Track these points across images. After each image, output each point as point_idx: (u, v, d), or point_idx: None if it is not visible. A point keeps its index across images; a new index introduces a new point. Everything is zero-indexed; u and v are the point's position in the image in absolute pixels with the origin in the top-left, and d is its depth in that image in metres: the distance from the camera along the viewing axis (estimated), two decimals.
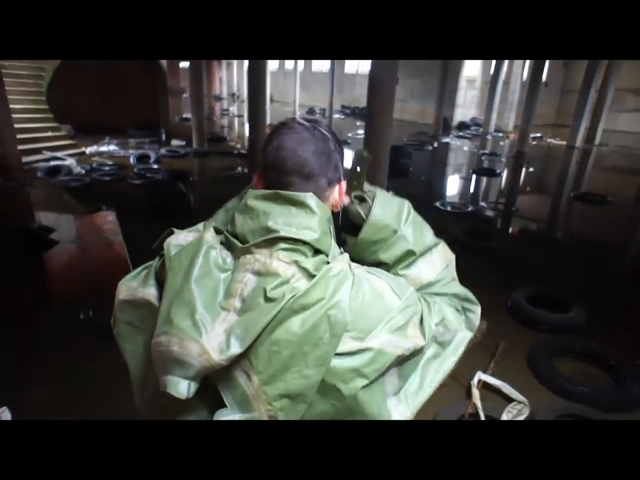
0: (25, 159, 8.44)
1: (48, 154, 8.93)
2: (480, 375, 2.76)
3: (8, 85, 8.29)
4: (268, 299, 0.61)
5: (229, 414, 0.63)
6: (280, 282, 0.63)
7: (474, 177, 10.01)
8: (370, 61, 5.43)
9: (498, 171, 10.28)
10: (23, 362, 2.92)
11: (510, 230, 6.88)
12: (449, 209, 7.30)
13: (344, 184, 0.80)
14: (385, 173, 5.67)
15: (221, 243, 0.72)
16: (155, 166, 9.14)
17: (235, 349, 0.60)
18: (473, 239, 5.38)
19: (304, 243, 0.66)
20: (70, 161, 8.67)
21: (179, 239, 0.76)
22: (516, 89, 17.25)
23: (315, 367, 0.60)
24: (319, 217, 0.68)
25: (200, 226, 0.86)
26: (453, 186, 9.64)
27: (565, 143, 14.28)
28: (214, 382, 0.64)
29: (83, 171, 8.31)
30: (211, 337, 0.60)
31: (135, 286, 0.76)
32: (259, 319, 0.60)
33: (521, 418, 2.41)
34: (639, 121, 16.83)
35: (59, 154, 9.08)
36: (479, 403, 2.49)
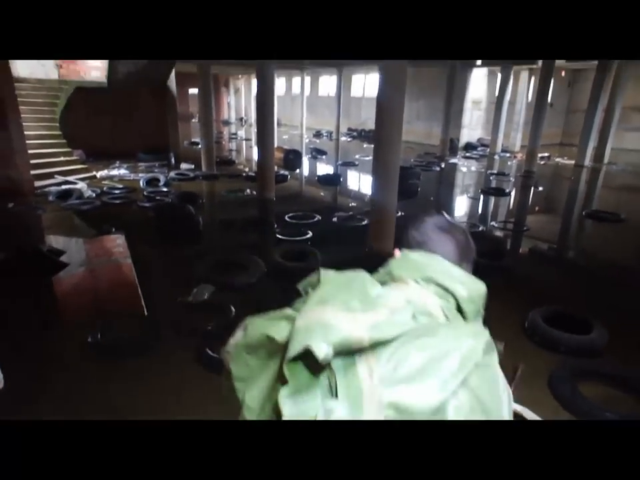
0: (38, 184, 8.56)
1: (60, 178, 9.06)
2: None
3: (23, 113, 8.50)
4: (414, 318, 0.70)
5: (337, 404, 0.61)
6: (425, 311, 0.73)
7: (483, 196, 9.97)
8: (377, 84, 5.47)
9: (507, 191, 10.23)
10: (31, 383, 2.86)
11: (521, 249, 6.78)
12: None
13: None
14: (394, 194, 5.66)
15: None
16: (165, 189, 9.23)
17: (379, 334, 0.62)
18: (484, 259, 5.28)
19: (454, 296, 0.78)
20: (81, 185, 8.79)
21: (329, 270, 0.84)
22: (522, 109, 17.35)
23: (439, 387, 0.60)
24: (471, 286, 0.82)
25: None
26: (461, 206, 9.60)
27: (573, 162, 14.24)
28: (334, 368, 0.62)
29: (94, 195, 8.40)
30: (361, 319, 0.64)
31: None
32: (402, 327, 0.65)
33: None
34: None
35: (70, 178, 9.22)
36: None
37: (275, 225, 6.82)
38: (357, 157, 15.17)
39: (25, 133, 8.32)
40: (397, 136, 5.51)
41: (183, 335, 3.61)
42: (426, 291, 0.77)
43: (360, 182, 11.71)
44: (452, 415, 0.62)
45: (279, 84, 24.49)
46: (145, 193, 8.70)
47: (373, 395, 0.60)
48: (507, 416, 0.70)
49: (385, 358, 0.62)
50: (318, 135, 21.80)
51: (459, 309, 0.79)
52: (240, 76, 26.77)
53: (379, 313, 0.67)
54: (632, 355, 3.45)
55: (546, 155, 15.76)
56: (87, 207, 7.65)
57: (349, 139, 21.28)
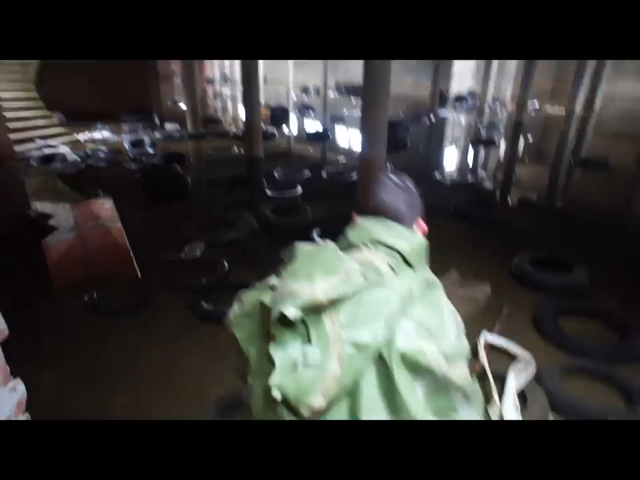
0: (18, 148, 8.33)
1: (41, 142, 8.82)
2: (485, 335, 2.77)
3: None
4: (364, 276, 0.85)
5: (311, 349, 0.80)
6: (374, 269, 0.87)
7: (472, 148, 9.92)
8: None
9: (496, 141, 10.18)
10: (31, 344, 2.92)
11: (510, 198, 6.84)
12: (448, 180, 7.25)
13: (422, 222, 1.06)
14: (383, 148, 5.61)
15: None
16: (151, 150, 9.05)
17: (332, 294, 0.79)
18: (473, 208, 5.35)
19: (398, 251, 0.93)
20: (63, 149, 8.58)
21: (303, 244, 0.97)
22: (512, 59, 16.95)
23: (383, 328, 0.78)
24: (412, 240, 0.96)
25: None
26: (451, 157, 9.56)
27: (564, 110, 14.10)
28: (307, 322, 0.81)
29: (78, 158, 8.22)
30: (319, 284, 0.82)
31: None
32: (354, 285, 0.82)
33: (527, 374, 2.42)
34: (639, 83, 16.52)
35: (51, 141, 8.97)
36: (485, 362, 2.50)
37: (264, 183, 6.78)
38: (345, 112, 14.88)
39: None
40: (384, 89, 5.41)
41: (178, 290, 3.68)
42: (374, 252, 0.94)
43: (349, 137, 11.55)
44: (401, 342, 0.80)
45: None
46: (130, 155, 8.53)
47: (336, 337, 0.79)
48: (454, 337, 0.87)
49: (342, 310, 0.80)
50: (305, 91, 21.23)
51: (406, 262, 0.94)
52: None
53: (335, 277, 0.84)
54: (611, 291, 3.59)
55: (537, 104, 15.57)
56: (72, 171, 7.50)
57: (337, 95, 20.76)
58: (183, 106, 12.38)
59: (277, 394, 0.78)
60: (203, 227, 4.91)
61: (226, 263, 3.98)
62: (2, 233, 4.68)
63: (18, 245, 4.56)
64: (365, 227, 1.00)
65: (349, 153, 9.65)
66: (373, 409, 0.80)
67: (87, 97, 12.46)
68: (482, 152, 9.74)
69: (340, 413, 0.81)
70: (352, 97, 19.12)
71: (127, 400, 2.50)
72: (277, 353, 0.81)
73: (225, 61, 27.54)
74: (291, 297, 0.81)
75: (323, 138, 10.59)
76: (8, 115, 8.25)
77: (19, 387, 1.11)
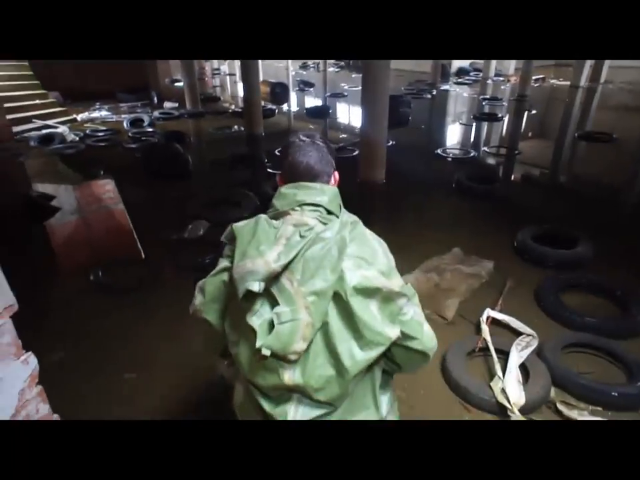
0: (16, 129, 8.26)
1: (39, 122, 8.73)
2: (488, 312, 2.80)
3: None
4: (301, 236, 1.01)
5: (281, 308, 0.97)
6: (308, 227, 1.03)
7: (475, 122, 9.78)
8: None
9: (500, 116, 10.03)
10: (39, 322, 2.97)
11: (513, 173, 6.79)
12: (450, 155, 7.18)
13: (336, 173, 1.22)
14: (384, 123, 5.54)
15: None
16: (150, 129, 8.95)
17: (283, 260, 0.96)
18: (476, 184, 5.32)
19: (320, 205, 1.09)
20: (62, 129, 8.49)
21: (239, 224, 1.11)
22: None
23: (331, 273, 0.97)
24: (328, 193, 1.11)
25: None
26: (453, 133, 9.44)
27: (568, 83, 13.83)
28: (270, 289, 0.98)
29: (77, 138, 8.15)
30: (270, 256, 0.97)
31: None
32: (296, 246, 0.98)
33: (530, 349, 2.45)
34: None
35: (50, 122, 8.88)
36: (488, 338, 2.53)
37: (266, 160, 6.72)
38: (345, 87, 14.63)
39: None
40: (385, 63, 5.30)
41: (182, 269, 3.70)
42: (302, 212, 1.08)
43: (349, 113, 11.39)
44: (349, 277, 0.98)
45: None
46: (129, 134, 8.45)
47: (297, 293, 0.97)
48: (383, 257, 1.08)
49: (295, 270, 0.98)
50: (304, 66, 20.82)
51: (329, 212, 1.10)
52: None
53: (279, 245, 0.99)
54: (614, 266, 3.60)
55: (540, 76, 15.26)
56: (72, 151, 7.45)
57: (336, 70, 20.36)
58: (180, 84, 12.18)
59: (266, 352, 0.95)
60: (206, 205, 4.91)
61: None
62: (5, 214, 4.69)
63: (21, 225, 4.57)
64: (287, 193, 1.12)
65: (349, 128, 9.53)
66: (342, 336, 0.99)
67: (84, 77, 12.26)
68: (485, 126, 9.60)
69: (318, 347, 1.00)
70: (353, 72, 18.76)
71: (135, 375, 2.55)
72: (253, 321, 0.98)
73: None
74: (251, 274, 0.96)
75: (324, 114, 10.44)
76: (3, 94, 8.16)
77: (32, 360, 1.13)
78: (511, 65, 16.97)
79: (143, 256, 4.00)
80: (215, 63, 24.16)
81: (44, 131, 8.30)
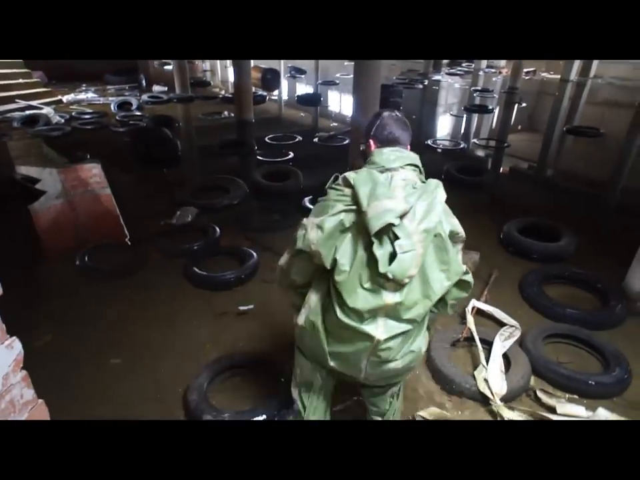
0: None
1: (22, 103, 8.51)
2: (474, 302, 2.85)
3: None
4: (414, 188, 1.33)
5: (402, 241, 1.22)
6: (415, 182, 1.36)
7: (465, 114, 9.80)
8: None
9: (490, 108, 10.06)
10: (24, 306, 2.94)
11: (502, 166, 6.84)
12: (440, 146, 7.20)
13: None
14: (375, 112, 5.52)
15: None
16: (138, 113, 8.80)
17: (411, 204, 1.27)
18: (464, 175, 5.35)
19: (417, 166, 1.43)
20: (47, 110, 8.29)
21: (350, 173, 1.37)
22: None
23: (436, 217, 1.28)
24: (417, 157, 1.44)
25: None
26: (444, 124, 9.45)
27: (558, 76, 13.90)
28: (393, 227, 1.23)
29: (62, 120, 7.97)
30: (398, 199, 1.27)
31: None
32: (414, 194, 1.30)
33: (513, 340, 2.51)
34: None
35: (34, 102, 8.66)
36: (473, 328, 2.58)
37: (255, 147, 6.67)
38: (337, 75, 14.51)
39: None
40: None
41: (170, 255, 3.68)
42: (407, 171, 1.39)
43: (340, 101, 11.32)
44: (444, 225, 1.32)
45: None
46: (117, 118, 8.29)
47: (414, 230, 1.24)
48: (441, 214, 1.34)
49: (412, 213, 1.26)
50: None
51: (420, 172, 1.45)
52: None
53: (401, 192, 1.31)
54: (596, 259, 3.67)
55: (531, 69, 15.32)
56: (57, 133, 7.28)
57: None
58: (170, 67, 11.95)
59: (389, 274, 1.21)
60: (195, 191, 4.87)
61: (218, 228, 3.97)
62: None
63: (4, 208, 4.49)
64: (389, 154, 1.41)
65: (340, 117, 9.48)
66: (434, 268, 1.30)
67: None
68: (475, 118, 9.63)
69: (417, 276, 1.28)
70: (345, 60, 18.57)
71: (119, 361, 2.55)
72: (378, 251, 1.24)
73: None
74: (389, 211, 1.22)
75: (315, 101, 10.36)
76: None
77: (16, 345, 1.12)
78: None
79: (129, 240, 3.97)
80: None
81: (28, 112, 8.10)
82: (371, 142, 1.48)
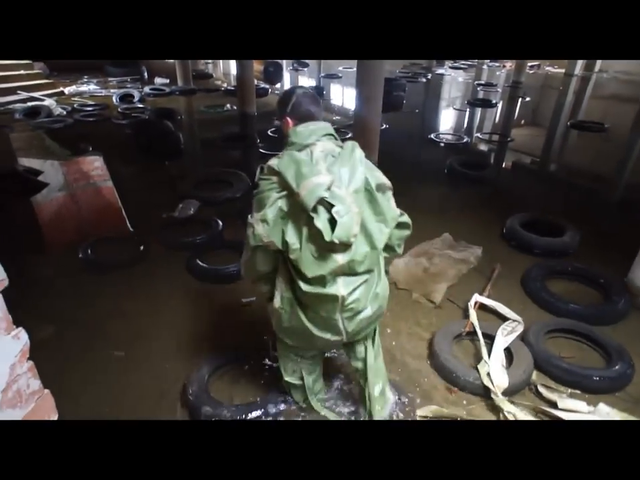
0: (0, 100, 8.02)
1: (24, 94, 8.48)
2: (476, 297, 2.84)
3: None
4: (333, 157, 1.50)
5: (338, 207, 1.42)
6: (333, 151, 1.52)
7: (469, 108, 9.74)
8: None
9: (494, 102, 10.00)
10: (27, 299, 2.94)
11: (505, 160, 6.81)
12: (443, 140, 7.17)
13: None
14: (378, 106, 5.49)
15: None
16: (140, 105, 8.77)
17: (333, 173, 1.46)
18: (468, 170, 5.33)
19: (332, 135, 1.61)
20: (49, 102, 8.26)
21: (272, 162, 1.53)
22: None
23: (360, 176, 1.48)
24: (330, 125, 1.63)
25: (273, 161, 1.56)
26: (447, 118, 9.40)
27: (563, 70, 13.80)
28: (324, 198, 1.41)
29: (64, 112, 7.95)
30: (323, 174, 1.44)
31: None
32: (335, 163, 1.48)
33: (515, 334, 2.51)
34: None
35: (35, 94, 8.63)
36: (476, 322, 2.58)
37: (258, 140, 6.65)
38: (340, 68, 14.42)
39: None
40: None
41: (172, 248, 3.68)
42: (324, 142, 1.55)
43: (343, 94, 11.26)
44: (369, 178, 1.52)
45: None
46: (119, 110, 8.27)
47: (346, 194, 1.43)
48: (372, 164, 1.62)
49: (338, 179, 1.45)
50: None
51: (336, 138, 1.63)
52: None
53: (323, 164, 1.48)
54: (600, 254, 3.66)
55: (535, 63, 15.20)
56: (59, 125, 7.27)
57: None
58: (171, 60, 11.88)
59: (335, 240, 1.38)
60: (197, 185, 4.86)
61: (220, 222, 3.97)
62: None
63: (6, 200, 4.48)
64: (304, 131, 1.56)
65: (343, 111, 9.44)
66: (371, 220, 1.49)
67: None
68: (479, 112, 9.58)
69: (359, 232, 1.46)
70: None
71: (123, 354, 2.56)
72: (319, 223, 1.40)
73: None
74: (318, 186, 1.39)
75: (318, 95, 10.30)
76: None
77: (22, 335, 1.13)
78: None
79: (131, 233, 3.97)
80: None
81: (30, 104, 8.07)
82: (288, 119, 1.62)
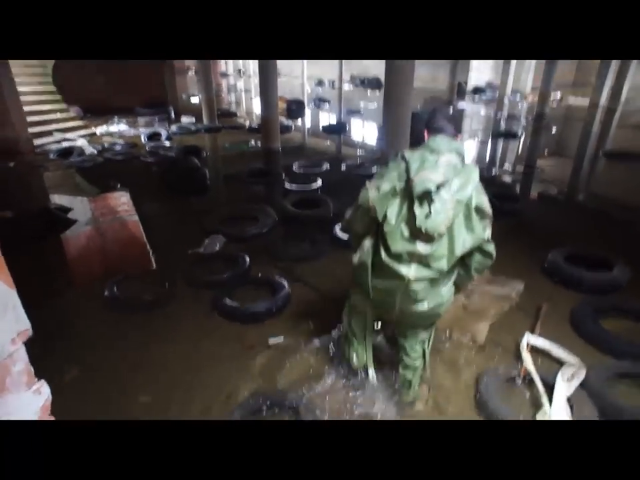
0: (37, 142, 8.35)
1: (59, 136, 8.83)
2: (528, 337, 2.61)
3: (13, 67, 8.14)
4: (453, 167, 1.71)
5: (437, 205, 1.65)
6: (455, 163, 1.73)
7: (493, 140, 9.66)
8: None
9: (519, 134, 9.90)
10: (52, 340, 2.86)
11: (535, 191, 6.61)
12: None
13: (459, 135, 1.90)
14: (406, 140, 5.46)
15: None
16: (167, 143, 9.00)
17: (446, 178, 1.67)
18: (498, 202, 5.15)
19: (460, 153, 1.79)
20: (81, 142, 8.57)
21: (407, 152, 1.82)
22: None
23: (469, 190, 1.69)
24: (460, 145, 1.83)
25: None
26: (473, 150, 9.31)
27: (587, 102, 13.67)
28: (432, 195, 1.65)
29: (95, 151, 8.20)
30: (439, 172, 1.68)
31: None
32: (451, 172, 1.69)
33: (578, 381, 2.25)
34: None
35: (69, 135, 8.98)
36: (531, 367, 2.34)
37: (283, 175, 6.66)
38: (362, 105, 14.66)
39: (18, 89, 8.00)
40: (408, 80, 5.28)
41: (198, 286, 3.58)
42: (450, 154, 1.73)
43: (364, 130, 11.36)
44: (474, 200, 1.70)
45: None
46: (147, 148, 8.49)
47: (450, 198, 1.64)
48: (484, 192, 1.77)
49: (448, 185, 1.65)
50: (320, 84, 20.99)
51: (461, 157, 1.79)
52: None
53: (441, 169, 1.67)
54: None
55: (558, 96, 15.15)
56: (90, 164, 7.48)
57: (352, 87, 20.48)
58: (197, 99, 12.32)
59: (423, 228, 1.64)
60: (223, 220, 4.82)
61: (247, 258, 3.87)
62: (23, 225, 4.65)
63: (38, 238, 4.53)
64: (438, 141, 1.77)
65: (365, 145, 9.47)
66: (460, 230, 1.69)
67: (104, 91, 12.48)
68: (504, 145, 9.47)
69: (445, 232, 1.68)
70: (368, 90, 18.85)
71: (149, 399, 2.42)
72: (418, 210, 1.65)
73: None
74: (429, 180, 1.64)
75: (339, 131, 10.42)
76: (27, 108, 8.28)
77: (44, 390, 1.01)
78: (528, 83, 16.87)
79: (155, 268, 3.90)
80: (232, 79, 24.56)
81: (63, 144, 8.38)
82: (425, 132, 1.89)
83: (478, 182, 1.71)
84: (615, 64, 12.55)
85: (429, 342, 2.14)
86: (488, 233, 1.76)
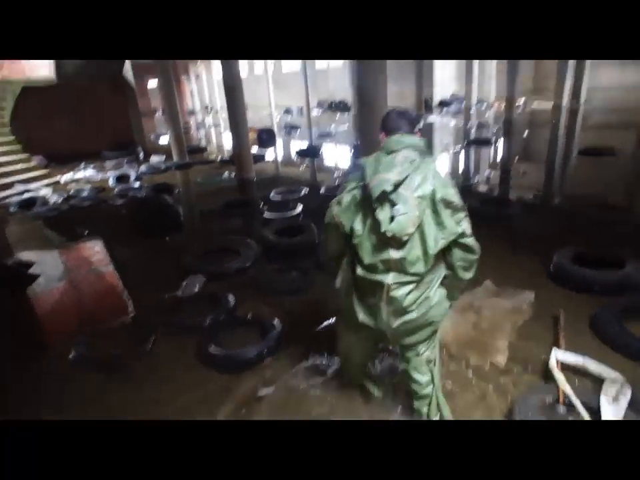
0: None
1: (20, 187, 8.38)
2: (557, 354, 2.31)
3: None
4: (410, 163, 1.66)
5: (399, 207, 1.60)
6: (412, 159, 1.68)
7: (465, 150, 9.65)
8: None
9: (492, 140, 9.93)
10: (20, 405, 2.43)
11: (519, 196, 6.48)
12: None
13: (418, 130, 1.84)
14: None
15: None
16: (136, 184, 8.64)
17: (403, 175, 1.61)
18: (486, 209, 4.98)
19: (415, 146, 1.74)
20: (45, 191, 8.14)
21: (364, 159, 1.80)
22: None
23: (429, 186, 1.62)
24: (416, 139, 1.77)
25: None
26: (447, 162, 9.25)
27: (550, 105, 14.00)
28: (390, 196, 1.61)
29: (60, 200, 7.77)
30: (395, 172, 1.62)
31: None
32: (409, 169, 1.64)
33: (625, 400, 1.95)
34: (621, 73, 16.46)
35: (32, 185, 8.54)
36: (568, 389, 2.03)
37: (262, 204, 6.36)
38: (332, 128, 14.66)
39: None
40: (381, 101, 5.24)
41: (178, 333, 3.19)
42: (407, 151, 1.69)
43: (337, 152, 11.25)
44: (438, 193, 1.62)
45: (241, 66, 23.46)
46: (115, 191, 8.11)
47: (410, 196, 1.59)
48: (450, 183, 1.71)
49: (408, 182, 1.62)
50: (288, 111, 21.10)
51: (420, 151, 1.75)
52: (199, 62, 25.60)
53: (397, 168, 1.63)
54: None
55: (522, 100, 15.51)
56: (55, 213, 7.06)
57: (320, 112, 20.64)
58: (166, 139, 12.06)
59: (389, 233, 1.58)
60: (201, 257, 4.47)
61: (231, 296, 3.52)
62: None
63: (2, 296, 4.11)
64: (394, 140, 1.72)
65: (339, 167, 9.30)
66: (430, 228, 1.63)
67: (67, 138, 12.11)
68: (479, 152, 9.47)
69: (414, 235, 1.62)
70: (337, 113, 19.01)
71: None
72: (380, 215, 1.61)
73: (204, 90, 27.54)
74: (385, 181, 1.59)
75: (312, 154, 10.28)
76: None
77: None
78: (492, 91, 17.29)
79: (134, 318, 3.51)
80: (199, 116, 24.51)
81: (25, 195, 7.94)
82: (382, 135, 1.80)
83: (439, 174, 1.64)
84: (572, 65, 12.93)
85: (434, 363, 1.95)
86: (464, 226, 1.65)
